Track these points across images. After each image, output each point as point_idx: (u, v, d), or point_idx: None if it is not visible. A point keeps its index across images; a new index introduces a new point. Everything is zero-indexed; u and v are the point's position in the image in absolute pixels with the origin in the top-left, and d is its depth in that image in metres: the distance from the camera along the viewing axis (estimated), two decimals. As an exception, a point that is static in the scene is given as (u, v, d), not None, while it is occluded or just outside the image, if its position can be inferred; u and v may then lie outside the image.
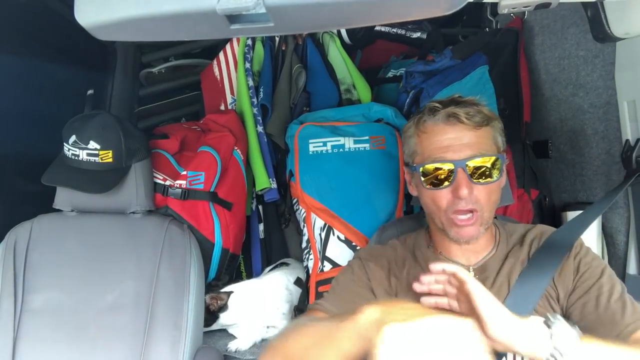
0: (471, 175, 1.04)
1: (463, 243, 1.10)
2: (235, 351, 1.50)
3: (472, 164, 1.04)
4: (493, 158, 1.05)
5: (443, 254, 1.14)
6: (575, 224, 1.14)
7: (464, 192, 1.02)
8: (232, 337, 1.58)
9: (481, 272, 1.10)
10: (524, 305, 1.01)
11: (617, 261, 1.48)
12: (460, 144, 1.04)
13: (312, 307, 1.10)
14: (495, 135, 1.09)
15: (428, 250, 1.17)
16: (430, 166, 1.06)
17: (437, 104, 1.08)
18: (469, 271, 1.10)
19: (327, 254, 1.60)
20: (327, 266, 1.59)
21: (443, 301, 0.91)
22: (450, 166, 1.04)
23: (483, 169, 1.05)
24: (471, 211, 1.05)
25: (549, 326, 0.79)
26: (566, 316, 1.05)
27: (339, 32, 2.02)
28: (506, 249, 1.14)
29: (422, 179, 1.08)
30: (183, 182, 1.56)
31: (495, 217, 1.34)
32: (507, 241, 1.15)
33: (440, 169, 1.05)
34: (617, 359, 0.80)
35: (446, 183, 1.05)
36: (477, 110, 1.06)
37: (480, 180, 1.04)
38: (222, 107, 1.95)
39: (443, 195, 1.06)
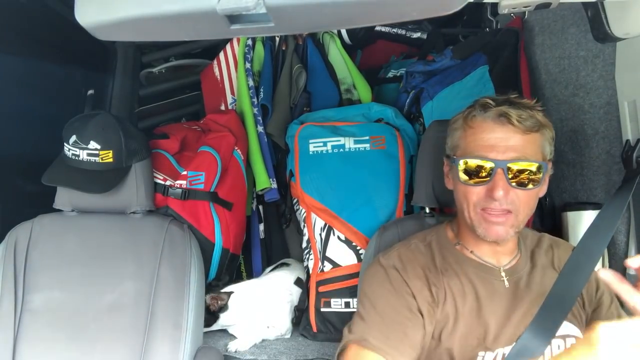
0: (510, 178, 1.00)
1: (491, 242, 1.06)
2: (235, 351, 1.50)
3: (513, 167, 1.00)
4: (536, 165, 1.01)
5: (475, 253, 1.11)
6: (596, 233, 1.07)
7: (499, 193, 0.99)
8: (232, 337, 1.58)
9: (512, 274, 1.08)
10: (558, 311, 0.98)
11: (617, 261, 1.48)
12: (505, 145, 1.01)
13: (354, 342, 1.00)
14: (543, 143, 1.05)
15: (456, 249, 1.13)
16: (470, 161, 1.03)
17: (490, 101, 1.04)
18: (500, 272, 1.08)
19: (328, 254, 1.60)
20: (328, 266, 1.59)
21: None
22: (491, 165, 1.00)
23: (523, 174, 1.01)
24: (507, 211, 1.02)
25: None
26: (588, 326, 1.06)
27: (339, 32, 2.02)
28: (526, 251, 1.13)
29: (460, 172, 1.04)
30: (183, 182, 1.57)
31: None
32: (524, 244, 1.14)
33: (481, 166, 1.02)
34: None
35: (483, 181, 1.02)
36: (530, 114, 1.02)
37: (518, 185, 1.01)
38: (222, 107, 1.95)
39: (476, 191, 1.03)
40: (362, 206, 1.59)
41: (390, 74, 2.07)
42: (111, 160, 1.39)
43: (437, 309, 1.04)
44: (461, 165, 1.04)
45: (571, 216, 1.59)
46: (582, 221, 1.51)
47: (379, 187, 1.60)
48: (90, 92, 1.98)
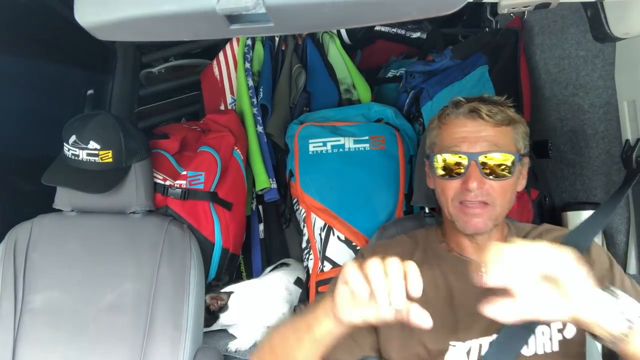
0: (484, 170, 1.04)
1: (471, 236, 1.09)
2: (236, 351, 1.50)
3: (485, 158, 1.04)
4: (508, 156, 1.05)
5: (456, 250, 1.13)
6: (585, 228, 1.13)
7: (473, 185, 1.02)
8: (232, 337, 1.58)
9: None
10: None
11: (617, 261, 1.48)
12: (477, 137, 1.05)
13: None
14: (516, 137, 1.09)
15: (440, 246, 1.16)
16: (444, 156, 1.08)
17: (462, 99, 1.10)
18: (481, 267, 1.10)
19: (327, 254, 1.60)
20: (327, 266, 1.59)
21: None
22: (463, 158, 1.05)
23: (496, 164, 1.05)
24: (483, 203, 1.05)
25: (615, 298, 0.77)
26: None
27: (339, 32, 2.02)
28: None
29: (437, 168, 1.09)
30: (183, 182, 1.56)
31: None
32: (516, 237, 1.15)
33: (454, 160, 1.06)
34: None
35: (458, 174, 1.06)
36: (500, 109, 1.07)
37: (492, 176, 1.04)
38: (222, 107, 1.95)
39: (453, 185, 1.07)
40: (362, 206, 1.59)
41: (390, 74, 2.06)
42: (111, 160, 1.39)
43: None
44: (436, 160, 1.09)
45: (571, 216, 1.59)
46: (581, 221, 1.51)
47: (378, 187, 1.60)
48: (90, 92, 1.98)
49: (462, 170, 1.05)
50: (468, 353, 1.03)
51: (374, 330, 1.09)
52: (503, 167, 1.05)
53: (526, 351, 1.00)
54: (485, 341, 1.02)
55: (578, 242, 1.07)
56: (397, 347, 1.07)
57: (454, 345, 1.04)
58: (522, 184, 1.13)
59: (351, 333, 1.06)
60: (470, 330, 1.04)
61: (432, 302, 1.06)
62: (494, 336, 1.01)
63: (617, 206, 1.19)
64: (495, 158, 1.04)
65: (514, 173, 1.06)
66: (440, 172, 1.08)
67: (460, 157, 1.05)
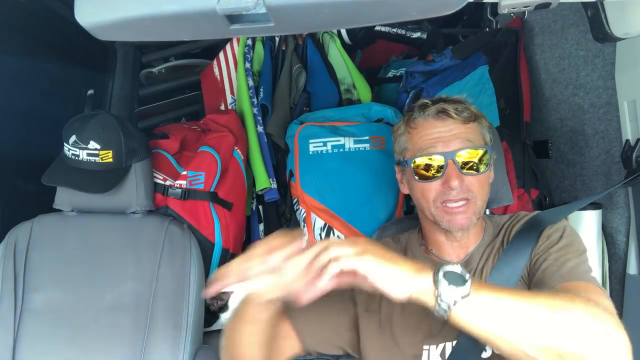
0: (461, 167, 1.06)
1: (454, 234, 1.10)
2: (236, 351, 1.50)
3: (461, 156, 1.07)
4: (482, 150, 1.09)
5: (433, 251, 1.15)
6: (558, 210, 1.16)
7: (455, 183, 1.05)
8: (232, 337, 1.58)
9: (466, 266, 1.10)
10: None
11: (617, 261, 1.48)
12: (450, 135, 1.07)
13: None
14: (482, 130, 1.13)
15: (419, 249, 1.18)
16: (420, 159, 1.09)
17: (427, 101, 1.12)
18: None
19: (327, 254, 1.59)
20: (327, 266, 1.59)
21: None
22: (440, 158, 1.07)
23: (473, 160, 1.08)
24: (465, 199, 1.07)
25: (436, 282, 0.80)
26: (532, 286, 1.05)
27: (339, 32, 2.02)
28: (489, 240, 1.15)
29: (413, 172, 1.10)
30: (183, 182, 1.56)
31: (493, 214, 1.34)
32: (492, 232, 1.16)
33: (431, 161, 1.08)
34: (510, 306, 0.79)
35: (437, 175, 1.07)
36: (464, 106, 1.10)
37: (470, 171, 1.07)
38: (222, 107, 1.95)
39: (433, 187, 1.08)
40: (362, 206, 1.59)
41: (390, 74, 2.06)
42: (111, 160, 1.39)
43: (381, 302, 1.09)
44: (413, 164, 1.10)
45: (571, 216, 1.59)
46: (582, 221, 1.51)
47: (378, 186, 1.60)
48: (90, 92, 1.98)
49: (441, 171, 1.07)
50: (442, 355, 1.04)
51: (355, 328, 1.11)
52: (479, 161, 1.08)
53: (484, 354, 1.01)
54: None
55: (540, 219, 1.09)
56: (375, 349, 1.09)
57: (427, 349, 1.05)
58: (492, 174, 1.16)
59: (331, 325, 1.10)
60: (442, 333, 1.04)
61: (408, 305, 1.07)
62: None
63: (595, 198, 1.26)
64: (471, 154, 1.07)
65: (489, 166, 1.10)
66: (419, 175, 1.10)
67: (437, 158, 1.07)
